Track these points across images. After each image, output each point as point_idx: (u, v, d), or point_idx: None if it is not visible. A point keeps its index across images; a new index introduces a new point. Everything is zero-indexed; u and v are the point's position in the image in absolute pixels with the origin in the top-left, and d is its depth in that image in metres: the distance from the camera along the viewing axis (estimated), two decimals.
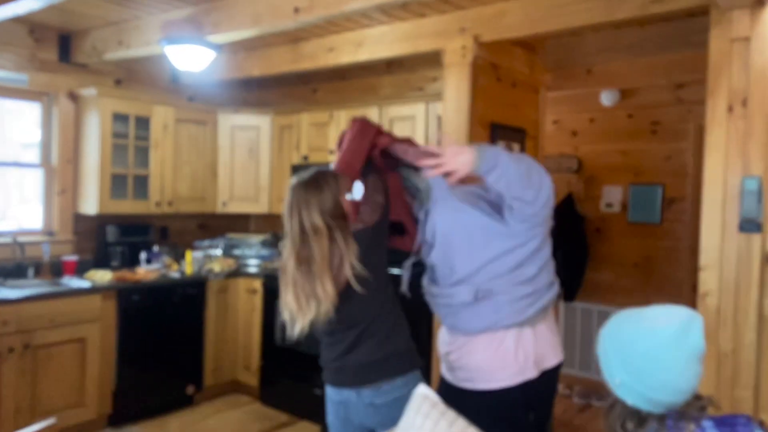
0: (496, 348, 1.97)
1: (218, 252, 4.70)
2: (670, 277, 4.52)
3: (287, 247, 1.94)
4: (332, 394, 2.02)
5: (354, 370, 1.95)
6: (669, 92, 4.53)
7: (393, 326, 1.97)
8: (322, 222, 1.86)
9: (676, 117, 4.53)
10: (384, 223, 1.98)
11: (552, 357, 2.04)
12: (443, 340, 2.14)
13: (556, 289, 2.06)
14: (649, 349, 1.25)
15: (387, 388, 1.92)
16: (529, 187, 1.81)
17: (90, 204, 4.09)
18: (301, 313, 1.88)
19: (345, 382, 1.97)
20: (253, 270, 4.62)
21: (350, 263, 1.85)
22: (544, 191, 1.85)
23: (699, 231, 4.34)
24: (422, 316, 3.42)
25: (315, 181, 1.92)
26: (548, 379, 2.05)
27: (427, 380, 2.87)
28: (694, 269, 4.54)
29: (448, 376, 2.11)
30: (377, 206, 1.98)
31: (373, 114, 4.15)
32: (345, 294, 1.88)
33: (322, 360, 2.05)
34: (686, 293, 4.45)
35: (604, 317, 4.76)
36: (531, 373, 1.97)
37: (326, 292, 1.83)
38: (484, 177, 1.81)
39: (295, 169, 4.54)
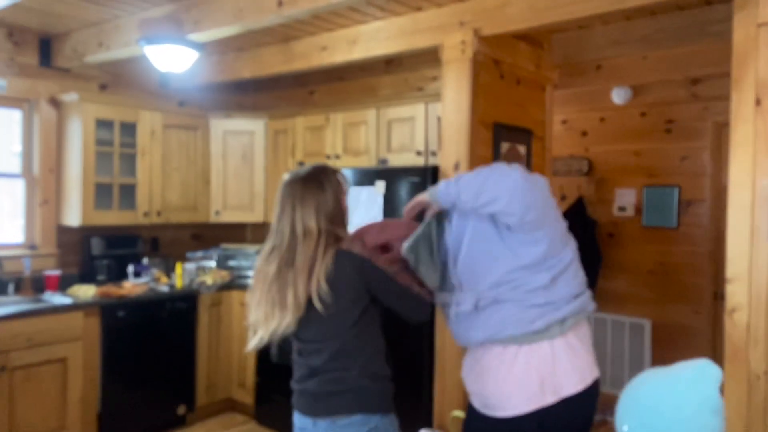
0: (508, 367, 1.76)
1: (212, 263, 4.50)
2: (688, 285, 4.26)
3: (268, 251, 1.76)
4: (294, 419, 1.85)
5: (313, 396, 1.77)
6: (684, 88, 4.27)
7: (360, 360, 1.77)
8: (316, 225, 1.71)
9: (692, 114, 4.28)
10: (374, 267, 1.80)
11: (576, 382, 1.77)
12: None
13: (582, 302, 1.83)
14: (655, 395, 1.11)
15: (344, 422, 1.73)
16: (489, 198, 1.76)
17: (73, 215, 3.89)
18: (264, 322, 1.74)
19: (303, 408, 1.80)
20: (249, 281, 4.40)
21: (317, 278, 1.67)
22: (502, 195, 1.73)
23: (719, 236, 4.15)
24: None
25: (315, 178, 1.76)
26: (573, 407, 1.78)
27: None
28: (714, 276, 4.31)
29: (472, 401, 1.93)
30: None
31: (370, 117, 3.93)
32: (307, 309, 1.72)
33: (292, 379, 1.87)
34: (707, 302, 4.19)
35: (618, 327, 4.51)
36: (548, 399, 1.74)
37: (297, 302, 1.69)
38: (449, 207, 1.86)
39: None
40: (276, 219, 1.78)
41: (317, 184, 1.75)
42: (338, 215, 1.76)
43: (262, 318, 1.74)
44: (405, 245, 1.88)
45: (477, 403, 1.87)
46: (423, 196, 1.92)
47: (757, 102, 2.19)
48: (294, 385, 1.86)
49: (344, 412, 1.74)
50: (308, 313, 1.72)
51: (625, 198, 4.54)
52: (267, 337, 1.74)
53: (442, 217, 1.95)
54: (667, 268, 4.35)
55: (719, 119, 4.14)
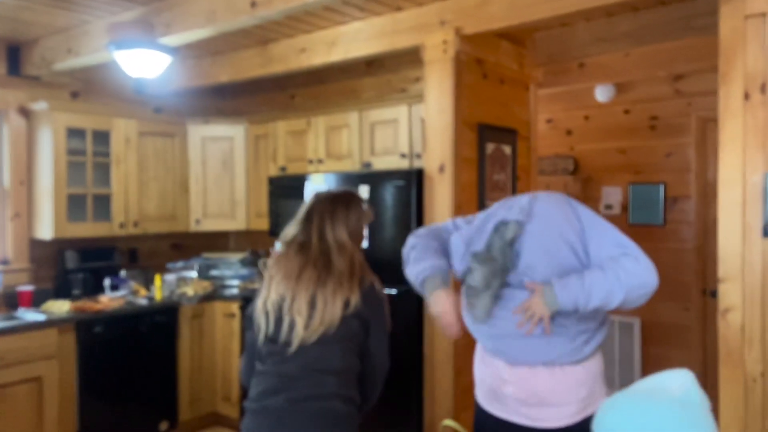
0: (559, 380, 1.75)
1: (193, 274, 4.37)
2: (676, 281, 4.22)
3: (294, 244, 1.82)
4: None
5: (276, 414, 1.66)
6: (667, 84, 4.25)
7: (344, 373, 1.73)
8: (348, 239, 1.80)
9: (675, 110, 4.25)
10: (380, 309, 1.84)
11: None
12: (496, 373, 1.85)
13: (607, 328, 1.85)
14: (665, 413, 1.08)
15: None
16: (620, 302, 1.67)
17: (45, 228, 3.76)
18: (300, 319, 1.72)
19: (260, 428, 1.68)
20: (232, 292, 4.29)
21: (355, 293, 1.75)
22: (630, 301, 1.68)
23: (706, 232, 4.13)
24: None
25: (344, 198, 1.88)
26: None
27: None
28: (702, 273, 4.28)
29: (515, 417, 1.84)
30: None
31: (353, 120, 3.85)
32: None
33: (248, 399, 1.78)
34: (695, 299, 4.16)
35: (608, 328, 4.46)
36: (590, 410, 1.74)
37: (342, 301, 1.72)
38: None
39: (273, 181, 4.22)
40: (300, 223, 1.84)
41: (345, 203, 1.86)
42: (359, 239, 1.86)
43: (296, 315, 1.72)
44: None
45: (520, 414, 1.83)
46: (541, 309, 1.67)
47: (746, 96, 2.14)
48: (249, 404, 1.75)
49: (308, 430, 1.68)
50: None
51: (612, 196, 4.50)
52: (300, 338, 1.71)
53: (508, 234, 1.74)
54: (655, 266, 4.30)
55: (703, 114, 4.12)
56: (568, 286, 1.64)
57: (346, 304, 1.72)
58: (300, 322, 1.71)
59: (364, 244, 1.94)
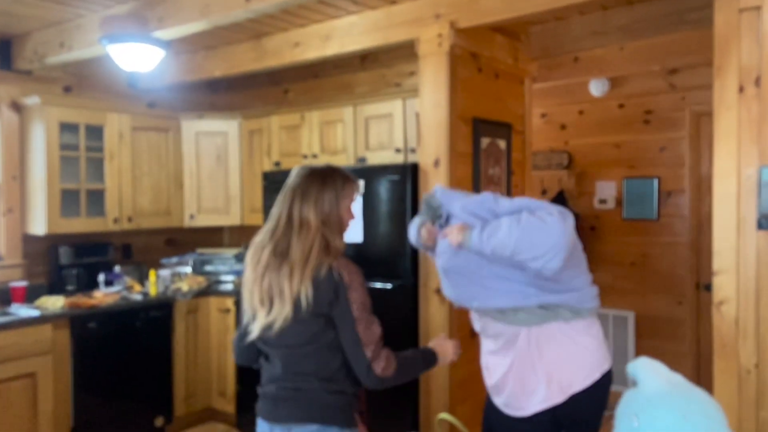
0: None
1: (187, 269, 4.36)
2: (670, 275, 4.24)
3: (262, 234, 1.74)
4: (257, 425, 1.81)
5: (273, 401, 1.74)
6: (661, 78, 4.25)
7: (320, 372, 1.70)
8: (314, 218, 1.68)
9: (669, 105, 4.26)
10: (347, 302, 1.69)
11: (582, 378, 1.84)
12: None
13: (580, 296, 1.86)
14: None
15: (298, 431, 1.69)
16: (528, 257, 1.71)
17: (39, 224, 3.73)
18: (261, 311, 1.69)
19: (263, 413, 1.77)
20: (226, 287, 4.28)
21: (306, 278, 1.63)
22: (541, 254, 1.69)
23: (700, 226, 4.15)
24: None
25: (321, 174, 1.74)
26: (580, 402, 1.85)
27: None
28: (696, 266, 4.30)
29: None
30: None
31: (347, 114, 3.84)
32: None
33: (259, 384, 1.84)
34: (689, 292, 4.18)
35: (602, 320, 4.47)
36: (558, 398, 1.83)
37: (287, 296, 1.63)
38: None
39: (267, 176, 4.21)
40: (277, 203, 1.75)
41: (321, 180, 1.72)
42: (334, 219, 1.71)
43: (258, 304, 1.70)
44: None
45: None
46: (455, 237, 1.82)
47: (741, 89, 2.15)
48: (258, 389, 1.82)
49: (299, 420, 1.69)
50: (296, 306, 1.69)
51: (606, 190, 4.51)
52: (261, 329, 1.69)
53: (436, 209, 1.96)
54: (649, 260, 4.33)
55: (697, 109, 4.13)
56: (480, 229, 1.78)
57: (298, 298, 1.63)
58: (260, 318, 1.69)
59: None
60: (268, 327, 1.68)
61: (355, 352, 1.66)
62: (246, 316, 1.77)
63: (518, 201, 1.82)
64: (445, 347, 1.90)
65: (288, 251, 1.66)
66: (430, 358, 1.86)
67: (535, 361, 1.85)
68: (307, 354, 1.69)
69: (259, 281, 1.69)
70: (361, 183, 3.44)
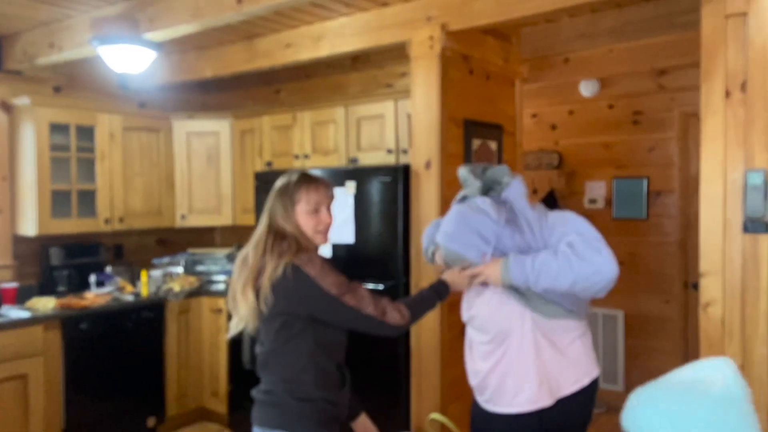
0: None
1: (179, 269, 4.35)
2: (659, 274, 4.29)
3: (251, 240, 1.85)
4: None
5: (254, 404, 1.83)
6: (651, 79, 4.29)
7: (284, 376, 1.75)
8: (266, 226, 1.79)
9: (658, 105, 4.30)
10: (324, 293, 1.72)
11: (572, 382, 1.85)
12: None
13: (578, 299, 1.87)
14: (708, 414, 1.03)
15: None
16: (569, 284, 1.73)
17: (29, 225, 3.72)
18: (235, 315, 1.80)
19: (252, 416, 1.85)
20: (218, 287, 4.28)
21: (265, 280, 1.70)
22: (588, 286, 1.72)
23: (688, 225, 4.19)
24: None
25: (280, 182, 1.84)
26: (568, 407, 1.85)
27: None
28: (684, 266, 4.35)
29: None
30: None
31: (339, 115, 3.85)
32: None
33: None
34: (677, 292, 4.24)
35: (591, 319, 4.51)
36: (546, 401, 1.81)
37: (246, 299, 1.74)
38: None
39: (259, 176, 4.21)
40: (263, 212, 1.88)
41: (276, 188, 1.83)
42: (291, 225, 1.77)
43: (232, 309, 1.81)
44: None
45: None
46: (489, 273, 1.80)
47: (727, 94, 2.18)
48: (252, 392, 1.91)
49: (268, 424, 1.75)
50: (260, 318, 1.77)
51: (596, 190, 4.55)
52: (236, 331, 1.80)
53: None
54: (638, 259, 4.38)
55: (686, 109, 4.18)
56: (521, 261, 1.74)
57: (257, 299, 1.71)
58: (233, 320, 1.80)
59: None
60: (240, 329, 1.78)
61: (362, 320, 1.70)
62: None
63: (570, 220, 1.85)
64: (457, 277, 1.88)
65: (247, 258, 1.77)
66: (441, 289, 1.88)
67: (529, 358, 1.82)
68: (275, 352, 1.74)
69: (232, 286, 1.81)
70: (353, 184, 3.45)
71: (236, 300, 1.76)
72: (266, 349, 1.78)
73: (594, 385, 1.90)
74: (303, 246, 1.75)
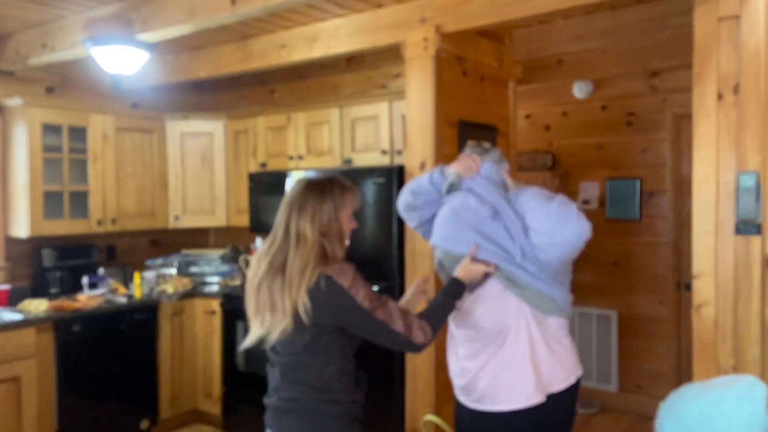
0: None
1: (172, 271, 4.34)
2: (652, 274, 4.32)
3: (263, 248, 1.77)
4: None
5: (274, 411, 1.77)
6: (643, 81, 4.32)
7: (316, 381, 1.72)
8: (310, 231, 1.69)
9: (651, 107, 4.33)
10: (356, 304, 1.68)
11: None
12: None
13: (564, 296, 1.93)
14: (701, 415, 1.08)
15: None
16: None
17: (21, 226, 3.70)
18: (256, 323, 1.74)
19: (267, 422, 1.80)
20: (212, 288, 4.27)
21: (302, 291, 1.64)
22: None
23: (681, 226, 4.22)
24: None
25: (318, 186, 1.75)
26: (557, 403, 1.87)
27: None
28: (677, 266, 4.37)
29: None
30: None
31: (333, 116, 3.84)
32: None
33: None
34: (670, 292, 4.26)
35: (585, 319, 4.55)
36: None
37: (285, 309, 1.65)
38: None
39: (253, 177, 4.20)
40: (277, 217, 1.77)
41: (318, 193, 1.74)
42: (334, 230, 1.73)
43: (252, 316, 1.75)
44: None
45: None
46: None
47: (720, 96, 2.19)
48: (264, 399, 1.83)
49: (295, 429, 1.72)
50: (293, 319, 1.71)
51: (589, 191, 4.57)
52: (256, 340, 1.74)
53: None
54: (631, 260, 4.40)
55: (678, 111, 4.20)
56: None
57: (296, 311, 1.64)
58: (254, 329, 1.74)
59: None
60: (262, 339, 1.71)
61: (388, 336, 1.68)
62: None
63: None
64: (471, 269, 1.86)
65: (284, 265, 1.68)
66: (455, 289, 1.85)
67: (525, 354, 1.83)
68: (302, 363, 1.71)
69: (254, 293, 1.73)
70: None
71: (269, 308, 1.68)
72: (288, 360, 1.72)
73: (578, 383, 1.94)
74: (329, 255, 1.70)
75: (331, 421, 1.71)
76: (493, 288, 1.88)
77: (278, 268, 1.69)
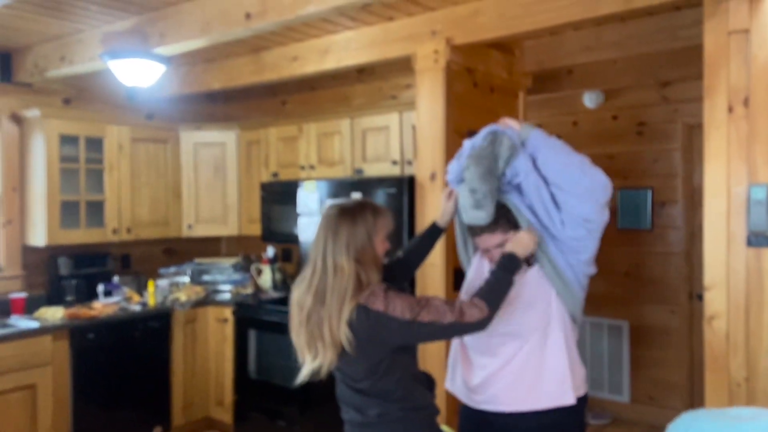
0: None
1: (185, 279, 4.39)
2: (663, 284, 4.30)
3: (303, 279, 1.74)
4: None
5: (359, 427, 1.78)
6: (654, 91, 4.32)
7: (393, 396, 1.72)
8: (346, 260, 1.67)
9: (662, 117, 4.32)
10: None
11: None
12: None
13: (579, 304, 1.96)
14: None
15: None
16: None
17: (38, 235, 3.76)
18: (309, 354, 1.71)
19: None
20: (224, 297, 4.31)
21: (343, 322, 1.64)
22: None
23: (693, 236, 4.21)
24: None
25: (350, 212, 1.73)
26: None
27: None
28: (689, 276, 4.35)
29: None
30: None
31: (344, 126, 3.88)
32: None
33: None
34: (682, 302, 4.24)
35: (596, 329, 4.53)
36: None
37: (333, 340, 1.64)
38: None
39: (265, 187, 4.25)
40: (312, 247, 1.76)
41: (351, 218, 1.72)
42: (368, 255, 1.71)
43: (305, 348, 1.72)
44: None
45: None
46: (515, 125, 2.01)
47: (730, 109, 2.20)
48: (342, 415, 1.85)
49: None
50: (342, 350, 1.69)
51: None
52: (311, 372, 1.72)
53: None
54: (643, 270, 4.38)
55: (689, 121, 4.20)
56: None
57: (340, 343, 1.64)
58: (308, 362, 1.72)
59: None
60: (316, 372, 1.71)
61: (444, 330, 1.65)
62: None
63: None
64: (519, 240, 1.80)
65: (324, 297, 1.67)
66: (508, 264, 1.75)
67: (562, 350, 1.81)
68: (370, 387, 1.71)
69: (305, 325, 1.71)
70: (358, 195, 3.48)
71: (317, 340, 1.68)
72: (359, 386, 1.73)
73: (586, 396, 1.94)
74: (364, 282, 1.68)
75: (422, 426, 1.75)
76: (534, 277, 1.84)
77: (320, 300, 1.68)
